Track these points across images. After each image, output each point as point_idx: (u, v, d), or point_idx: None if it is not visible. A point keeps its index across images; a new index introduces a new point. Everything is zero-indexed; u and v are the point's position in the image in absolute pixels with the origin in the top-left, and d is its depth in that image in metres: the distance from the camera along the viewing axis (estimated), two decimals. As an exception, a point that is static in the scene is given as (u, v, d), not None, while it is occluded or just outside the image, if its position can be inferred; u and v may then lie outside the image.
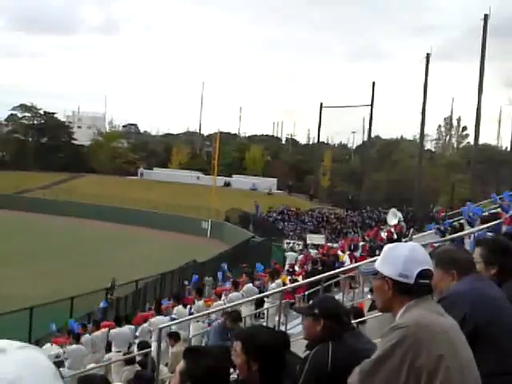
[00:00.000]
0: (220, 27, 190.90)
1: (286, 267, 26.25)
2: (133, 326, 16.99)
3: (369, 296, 15.34)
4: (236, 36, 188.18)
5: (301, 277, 21.76)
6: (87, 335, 16.67)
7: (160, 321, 14.55)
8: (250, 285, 18.60)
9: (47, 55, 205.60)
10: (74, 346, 15.34)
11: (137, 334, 16.17)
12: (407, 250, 3.02)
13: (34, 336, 19.76)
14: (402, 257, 2.98)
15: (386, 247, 3.15)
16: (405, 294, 2.98)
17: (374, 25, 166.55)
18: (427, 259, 3.06)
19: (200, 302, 16.80)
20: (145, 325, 16.27)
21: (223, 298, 18.03)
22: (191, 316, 14.14)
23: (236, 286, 18.21)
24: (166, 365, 12.36)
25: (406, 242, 11.73)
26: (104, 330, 16.75)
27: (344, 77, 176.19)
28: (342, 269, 15.96)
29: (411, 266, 2.97)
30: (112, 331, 16.02)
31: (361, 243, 28.45)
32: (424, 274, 2.98)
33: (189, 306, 16.97)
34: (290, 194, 74.19)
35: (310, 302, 5.09)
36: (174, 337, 12.81)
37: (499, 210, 13.31)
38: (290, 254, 33.93)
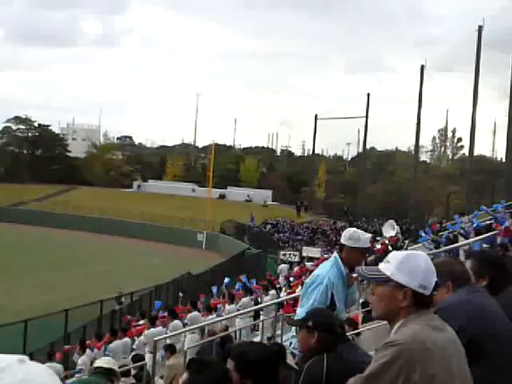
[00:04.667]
0: (215, 39, 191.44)
1: (280, 279, 26.25)
2: (129, 339, 16.99)
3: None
4: (231, 48, 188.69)
5: (299, 288, 21.75)
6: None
7: (155, 333, 14.52)
8: (247, 298, 18.62)
9: (42, 68, 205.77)
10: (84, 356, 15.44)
11: (134, 346, 16.16)
12: (424, 261, 2.94)
13: (28, 349, 19.65)
14: (422, 267, 2.89)
15: (400, 255, 3.01)
16: (419, 305, 2.89)
17: (371, 37, 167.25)
18: (434, 269, 2.97)
19: (194, 314, 16.79)
20: (141, 337, 16.27)
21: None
22: (187, 328, 14.12)
23: (233, 299, 18.23)
24: (161, 377, 12.33)
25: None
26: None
27: (340, 88, 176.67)
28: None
29: (429, 276, 2.90)
30: (110, 345, 16.02)
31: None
32: (436, 285, 2.94)
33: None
34: (299, 214, 73.34)
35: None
36: (170, 350, 12.78)
37: (493, 221, 13.34)
38: (282, 267, 33.96)
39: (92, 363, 15.94)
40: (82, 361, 15.29)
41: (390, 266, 2.96)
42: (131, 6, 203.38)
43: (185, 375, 3.19)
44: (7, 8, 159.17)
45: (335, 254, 5.88)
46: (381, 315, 3.08)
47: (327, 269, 5.74)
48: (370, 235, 5.91)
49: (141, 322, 20.10)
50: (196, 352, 13.10)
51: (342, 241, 5.82)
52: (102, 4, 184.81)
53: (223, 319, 14.86)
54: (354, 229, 5.94)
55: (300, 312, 5.62)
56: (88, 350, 16.64)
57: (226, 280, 25.13)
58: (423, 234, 20.22)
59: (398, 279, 2.91)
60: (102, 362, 7.11)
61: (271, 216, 66.80)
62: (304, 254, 42.26)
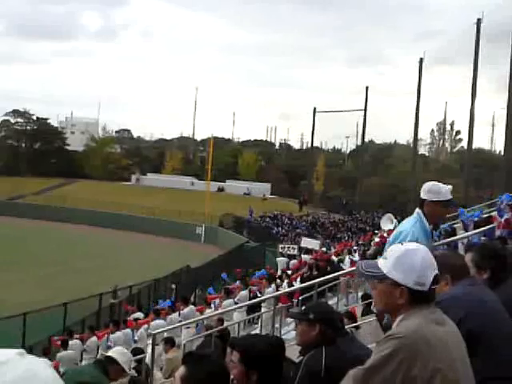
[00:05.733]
0: (214, 32, 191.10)
1: (279, 272, 26.28)
2: (130, 331, 17.04)
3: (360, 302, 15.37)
4: (230, 41, 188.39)
5: (297, 281, 21.77)
6: (76, 341, 16.74)
7: (160, 325, 14.56)
8: (245, 292, 18.63)
9: (41, 61, 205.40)
10: (64, 352, 15.44)
11: (135, 338, 16.21)
12: (421, 256, 2.88)
13: (28, 342, 19.67)
14: (418, 264, 2.85)
15: (396, 251, 2.96)
16: (417, 301, 2.87)
17: (370, 30, 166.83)
18: (435, 263, 2.94)
19: (187, 309, 16.84)
20: (141, 330, 16.31)
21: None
22: (185, 322, 14.13)
23: (228, 294, 18.25)
24: (161, 369, 12.35)
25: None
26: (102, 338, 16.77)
27: (340, 82, 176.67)
28: (340, 272, 15.91)
29: (426, 272, 2.86)
30: (112, 336, 16.06)
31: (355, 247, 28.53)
32: (436, 279, 2.89)
33: (178, 312, 17.06)
34: (301, 209, 72.55)
35: (303, 307, 5.07)
36: (170, 343, 12.79)
37: (493, 214, 13.34)
38: (280, 260, 33.94)
39: (82, 354, 16.02)
40: (59, 356, 15.33)
41: (387, 262, 2.93)
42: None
43: (182, 369, 3.18)
44: (7, 1, 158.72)
45: (417, 209, 5.65)
46: (381, 310, 3.10)
47: (411, 224, 5.55)
48: (450, 186, 5.66)
49: (136, 313, 20.13)
50: (197, 346, 13.12)
51: (422, 195, 5.61)
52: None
53: (219, 313, 14.87)
54: (434, 182, 5.71)
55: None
56: (77, 342, 16.68)
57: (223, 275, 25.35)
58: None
59: (393, 277, 2.89)
60: (112, 350, 7.02)
61: (270, 209, 66.81)
62: (303, 245, 42.14)
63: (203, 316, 15.14)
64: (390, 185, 76.21)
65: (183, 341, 14.11)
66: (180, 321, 15.44)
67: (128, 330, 17.01)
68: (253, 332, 14.82)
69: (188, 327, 15.15)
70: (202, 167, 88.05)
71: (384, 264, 2.95)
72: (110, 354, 6.66)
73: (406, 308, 2.89)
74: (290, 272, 25.91)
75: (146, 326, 16.75)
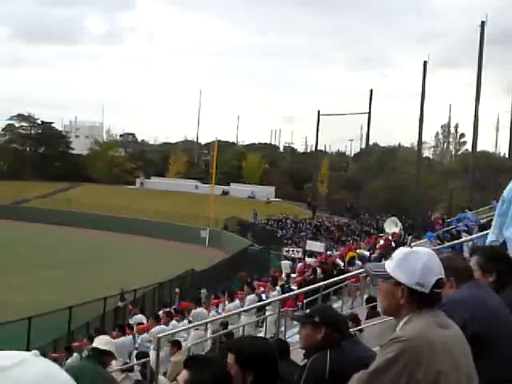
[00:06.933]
0: (218, 35, 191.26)
1: (282, 275, 26.31)
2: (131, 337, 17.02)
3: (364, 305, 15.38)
4: (234, 44, 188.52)
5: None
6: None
7: (159, 330, 14.53)
8: (253, 296, 18.62)
9: (45, 65, 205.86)
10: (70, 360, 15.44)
11: (136, 345, 16.19)
12: (425, 258, 2.91)
13: (32, 346, 19.67)
14: (420, 265, 2.87)
15: (401, 252, 3.00)
16: (418, 302, 2.89)
17: (374, 32, 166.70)
18: (441, 268, 2.95)
19: (197, 310, 16.81)
20: (145, 335, 16.29)
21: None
22: (190, 325, 14.12)
23: (232, 298, 18.24)
24: (164, 374, 12.34)
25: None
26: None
27: (343, 84, 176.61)
28: (346, 275, 15.89)
29: (429, 274, 2.88)
30: (117, 340, 16.05)
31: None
32: (439, 283, 2.90)
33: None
34: (314, 215, 71.71)
35: (307, 310, 5.07)
36: (177, 345, 12.77)
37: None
38: (284, 263, 33.95)
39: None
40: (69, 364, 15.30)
41: (392, 263, 2.98)
42: (135, 3, 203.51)
43: (185, 373, 3.16)
44: (13, 5, 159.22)
45: None
46: (384, 311, 3.12)
47: None
48: None
49: (138, 316, 20.13)
50: (207, 351, 13.13)
51: None
52: (107, 2, 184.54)
53: (225, 316, 14.86)
54: None
55: (507, 234, 5.32)
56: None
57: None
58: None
59: (396, 276, 2.93)
60: (98, 341, 6.93)
61: (274, 212, 66.73)
62: (308, 248, 42.21)
63: (209, 319, 15.12)
64: (394, 188, 76.07)
65: (189, 343, 14.11)
66: (190, 321, 15.44)
67: (131, 336, 17.00)
68: (258, 335, 14.81)
69: (197, 329, 15.13)
70: (207, 171, 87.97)
71: (389, 264, 2.99)
72: (101, 347, 6.68)
73: (408, 309, 2.92)
74: (294, 275, 25.92)
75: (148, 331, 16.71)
